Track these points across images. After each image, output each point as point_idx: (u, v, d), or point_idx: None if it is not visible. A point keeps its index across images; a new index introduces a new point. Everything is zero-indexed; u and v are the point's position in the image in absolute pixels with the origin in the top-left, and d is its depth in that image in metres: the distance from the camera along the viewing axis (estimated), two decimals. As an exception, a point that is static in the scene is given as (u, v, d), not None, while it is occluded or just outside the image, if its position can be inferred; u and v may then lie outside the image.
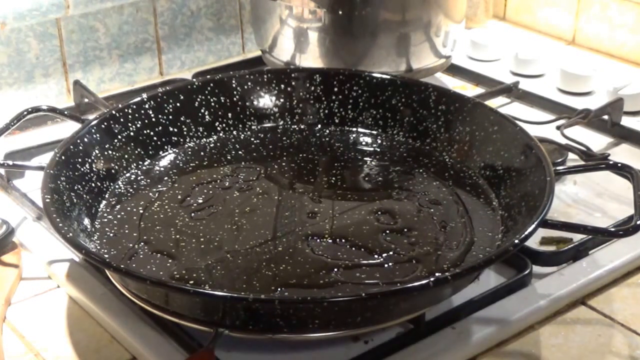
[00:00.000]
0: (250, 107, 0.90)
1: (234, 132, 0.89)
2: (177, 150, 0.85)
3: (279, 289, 0.66)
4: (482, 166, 0.81)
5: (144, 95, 0.85)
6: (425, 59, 1.02)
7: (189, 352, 0.64)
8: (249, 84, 0.90)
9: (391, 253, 0.70)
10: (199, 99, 0.88)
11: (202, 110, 0.88)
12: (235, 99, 0.90)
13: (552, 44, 1.23)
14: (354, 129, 0.90)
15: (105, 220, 0.75)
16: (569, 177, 0.87)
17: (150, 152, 0.84)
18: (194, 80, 0.91)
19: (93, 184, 0.77)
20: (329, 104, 0.91)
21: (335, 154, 0.86)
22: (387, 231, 0.73)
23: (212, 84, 0.89)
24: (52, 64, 1.04)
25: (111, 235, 0.73)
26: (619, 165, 0.76)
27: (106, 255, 0.70)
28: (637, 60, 1.15)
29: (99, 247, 0.71)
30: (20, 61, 1.01)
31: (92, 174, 0.77)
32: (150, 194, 0.79)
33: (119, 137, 0.82)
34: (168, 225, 0.74)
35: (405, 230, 0.73)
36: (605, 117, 0.96)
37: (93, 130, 0.80)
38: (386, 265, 0.69)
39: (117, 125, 0.82)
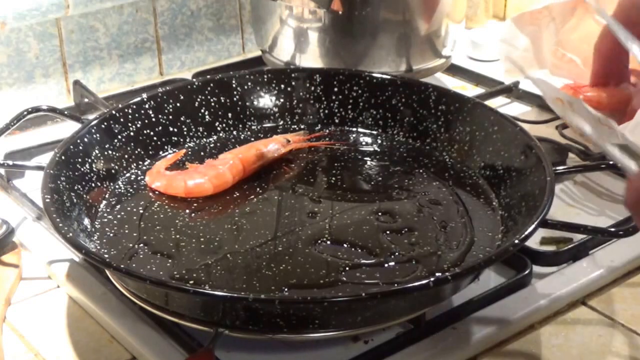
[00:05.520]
0: (250, 107, 0.90)
1: (234, 132, 0.89)
2: (177, 150, 0.85)
3: (279, 289, 0.66)
4: (482, 166, 0.81)
5: (144, 95, 0.85)
6: (425, 59, 1.03)
7: (189, 352, 0.64)
8: (249, 84, 0.90)
9: (391, 253, 0.70)
10: (199, 99, 0.88)
11: (202, 110, 0.88)
12: (235, 99, 0.90)
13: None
14: (354, 129, 0.90)
15: (105, 220, 0.75)
16: (569, 177, 0.87)
17: (150, 152, 0.84)
18: (194, 80, 0.91)
19: (93, 184, 0.77)
20: (329, 104, 0.91)
21: (335, 154, 0.86)
22: (387, 231, 0.73)
23: (212, 84, 0.89)
24: (52, 64, 1.04)
25: (111, 235, 0.73)
26: (619, 165, 0.76)
27: (106, 255, 0.70)
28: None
29: (99, 247, 0.71)
30: (20, 61, 1.01)
31: (92, 174, 0.77)
32: (150, 194, 0.79)
33: (119, 137, 0.82)
34: (168, 225, 0.74)
35: (405, 230, 0.73)
36: (605, 117, 0.96)
37: (93, 130, 0.80)
38: (386, 265, 0.69)
39: (117, 125, 0.82)
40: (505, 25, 0.99)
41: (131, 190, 0.79)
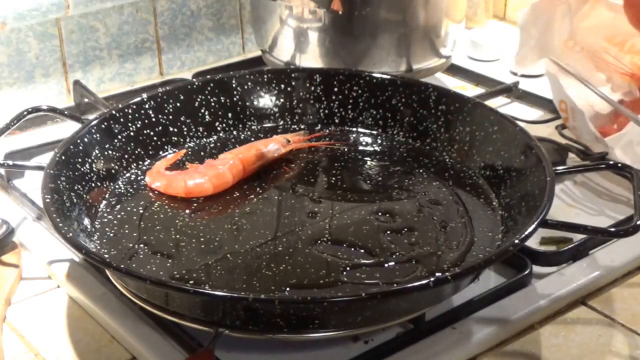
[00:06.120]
0: (250, 107, 0.90)
1: (234, 132, 0.89)
2: (177, 150, 0.85)
3: (279, 289, 0.66)
4: (482, 166, 0.81)
5: (144, 95, 0.85)
6: (425, 59, 1.03)
7: (189, 352, 0.64)
8: (249, 84, 0.90)
9: (391, 253, 0.70)
10: (199, 99, 0.88)
11: (202, 110, 0.88)
12: (235, 99, 0.90)
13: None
14: (354, 129, 0.90)
15: (105, 220, 0.75)
16: (569, 177, 0.87)
17: (150, 152, 0.84)
18: (194, 80, 0.91)
19: (93, 184, 0.77)
20: (329, 104, 0.91)
21: (335, 154, 0.86)
22: (387, 231, 0.73)
23: (212, 84, 0.89)
24: (52, 64, 1.04)
25: (111, 235, 0.73)
26: (619, 165, 0.76)
27: (106, 255, 0.70)
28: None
29: (99, 247, 0.71)
30: (20, 61, 1.01)
31: (92, 174, 0.77)
32: (150, 194, 0.79)
33: (119, 137, 0.82)
34: (168, 225, 0.74)
35: (405, 230, 0.73)
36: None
37: (93, 130, 0.80)
38: (386, 265, 0.69)
39: (117, 125, 0.82)
40: (524, 12, 0.99)
41: (131, 190, 0.79)
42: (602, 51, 0.93)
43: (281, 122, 0.91)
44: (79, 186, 0.75)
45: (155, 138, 0.85)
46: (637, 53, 0.92)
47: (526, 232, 0.64)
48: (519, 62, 1.03)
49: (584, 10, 0.94)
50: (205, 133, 0.88)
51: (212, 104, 0.88)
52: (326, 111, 0.91)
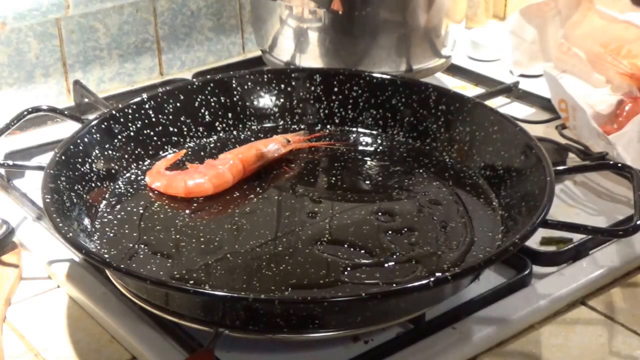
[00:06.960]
0: (250, 107, 0.90)
1: (234, 132, 0.89)
2: (177, 150, 0.85)
3: (280, 289, 0.66)
4: (482, 166, 0.81)
5: (144, 95, 0.85)
6: (425, 59, 1.03)
7: (189, 352, 0.64)
8: (249, 84, 0.90)
9: (391, 253, 0.70)
10: (199, 99, 0.88)
11: (202, 110, 0.88)
12: (235, 99, 0.90)
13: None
14: (354, 129, 0.90)
15: (105, 220, 0.75)
16: (569, 177, 0.87)
17: (150, 152, 0.84)
18: (194, 80, 0.91)
19: (93, 184, 0.77)
20: (329, 104, 0.91)
21: (335, 154, 0.86)
22: (388, 231, 0.73)
23: (212, 84, 0.89)
24: (52, 64, 1.04)
25: (111, 235, 0.73)
26: (619, 165, 0.76)
27: (106, 255, 0.70)
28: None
29: (99, 247, 0.71)
30: (20, 61, 1.01)
31: (92, 174, 0.77)
32: (151, 194, 0.79)
33: (119, 137, 0.82)
34: (168, 225, 0.74)
35: (405, 230, 0.73)
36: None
37: (93, 130, 0.80)
38: (386, 265, 0.69)
39: (117, 125, 0.82)
40: (513, 17, 1.00)
41: (131, 190, 0.79)
42: (598, 54, 0.93)
43: (281, 122, 0.91)
44: (79, 186, 0.75)
45: (155, 138, 0.85)
46: (634, 57, 0.92)
47: (526, 232, 0.64)
48: (515, 65, 1.04)
49: (575, 18, 0.94)
50: (205, 133, 0.88)
51: (212, 104, 0.88)
52: (326, 111, 0.91)
